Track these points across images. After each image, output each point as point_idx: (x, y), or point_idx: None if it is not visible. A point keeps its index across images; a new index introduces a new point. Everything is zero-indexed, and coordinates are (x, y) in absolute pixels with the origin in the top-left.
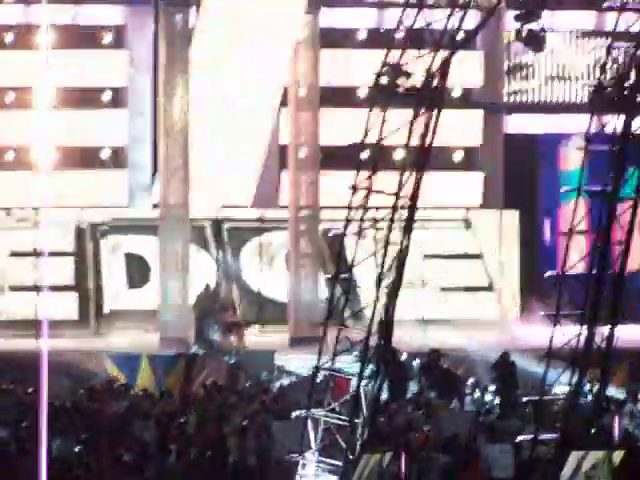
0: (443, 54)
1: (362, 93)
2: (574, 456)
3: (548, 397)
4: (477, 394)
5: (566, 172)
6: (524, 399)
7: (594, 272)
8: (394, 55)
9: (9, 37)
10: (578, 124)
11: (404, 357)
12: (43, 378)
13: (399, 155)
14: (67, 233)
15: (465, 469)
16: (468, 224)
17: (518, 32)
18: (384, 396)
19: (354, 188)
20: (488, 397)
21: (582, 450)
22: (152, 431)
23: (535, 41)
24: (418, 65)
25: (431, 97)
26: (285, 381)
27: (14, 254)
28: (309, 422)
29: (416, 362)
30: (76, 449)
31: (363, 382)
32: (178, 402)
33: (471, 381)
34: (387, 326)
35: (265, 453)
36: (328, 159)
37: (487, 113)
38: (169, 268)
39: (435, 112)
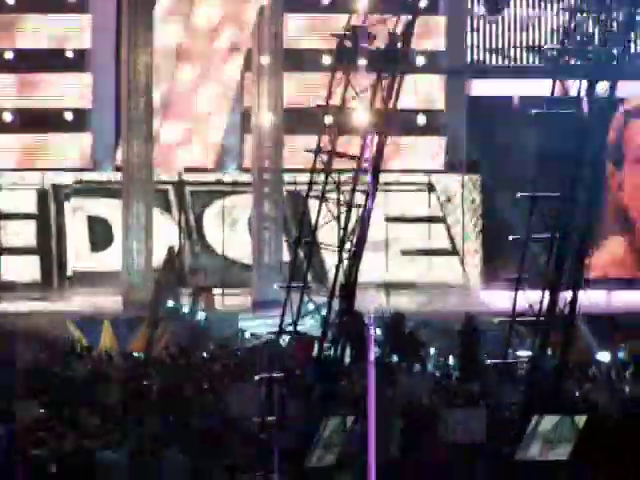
0: (406, 18)
1: (326, 58)
2: (534, 419)
3: (511, 361)
4: (440, 358)
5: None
6: (488, 362)
7: (557, 235)
8: (358, 19)
9: None
10: (541, 88)
11: (367, 320)
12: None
13: (362, 118)
14: (30, 195)
15: (424, 433)
16: (431, 187)
17: None
18: (346, 359)
19: (317, 151)
20: (450, 361)
21: (544, 414)
22: (115, 394)
23: (496, 5)
24: (382, 29)
25: (394, 60)
26: (248, 344)
27: None
28: (272, 386)
29: (379, 327)
30: (39, 412)
31: (325, 345)
32: (142, 365)
33: (433, 345)
34: (350, 289)
35: (225, 417)
36: (291, 122)
37: (450, 77)
38: (132, 231)
39: (398, 76)
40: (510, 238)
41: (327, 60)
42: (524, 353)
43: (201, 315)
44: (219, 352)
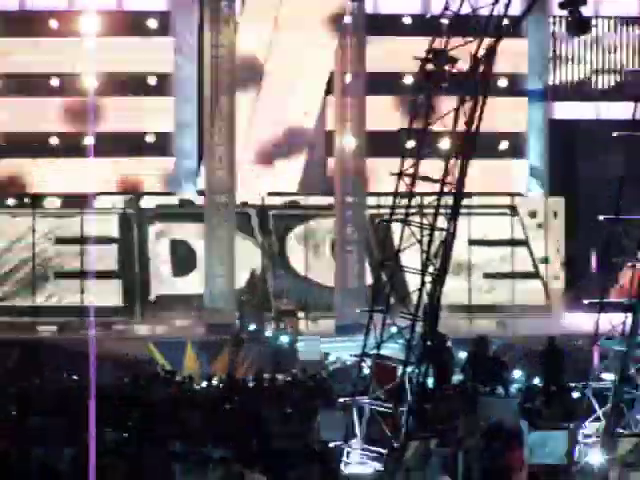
0: (488, 41)
1: (408, 80)
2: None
3: (595, 384)
4: (524, 381)
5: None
6: (572, 385)
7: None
8: (440, 42)
9: (53, 23)
10: (623, 111)
11: (450, 343)
12: (92, 366)
13: (445, 142)
14: (112, 220)
15: (509, 456)
16: (514, 211)
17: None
18: (430, 383)
19: (400, 175)
20: (534, 383)
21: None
22: (197, 418)
23: (579, 27)
24: (464, 52)
25: (477, 84)
26: (331, 368)
27: (59, 241)
28: (354, 410)
29: (462, 351)
30: (122, 436)
31: (409, 369)
32: (224, 388)
33: (517, 368)
34: (433, 312)
35: (309, 440)
36: (374, 146)
37: (531, 100)
38: (215, 255)
39: (480, 99)
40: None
41: (409, 82)
42: (608, 376)
43: (284, 339)
44: (302, 376)
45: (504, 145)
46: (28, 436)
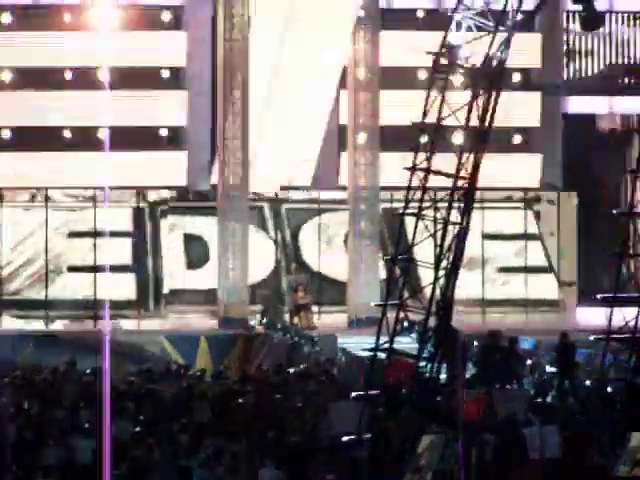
0: (502, 35)
1: (421, 74)
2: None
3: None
4: (536, 375)
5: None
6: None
7: None
8: (453, 36)
9: (67, 18)
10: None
11: (464, 338)
12: (106, 360)
13: (458, 136)
14: (126, 213)
15: (519, 451)
16: (528, 205)
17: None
18: (443, 377)
19: (413, 169)
20: (546, 378)
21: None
22: (207, 412)
23: (592, 23)
24: (478, 46)
25: (490, 78)
26: (344, 361)
27: (72, 234)
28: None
29: (475, 343)
30: (135, 430)
31: (422, 363)
32: (236, 382)
33: (530, 362)
34: (446, 306)
35: (322, 433)
36: (387, 140)
37: (545, 94)
38: (228, 249)
39: (494, 93)
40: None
41: (423, 76)
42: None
43: (299, 332)
44: (315, 369)
45: (517, 140)
46: (49, 428)
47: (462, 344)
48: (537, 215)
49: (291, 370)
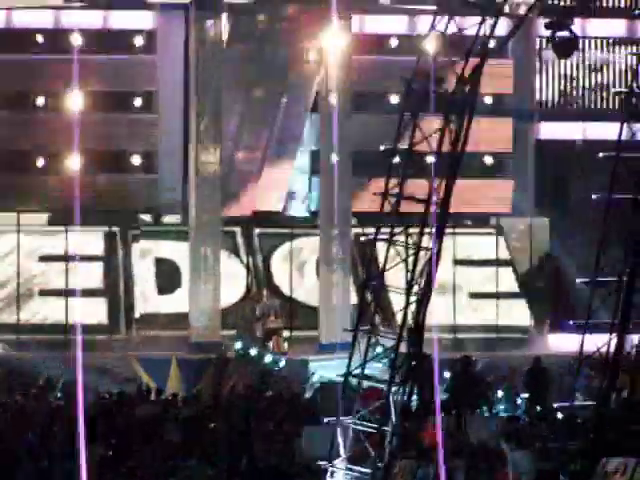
0: (474, 61)
1: (393, 99)
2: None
3: (579, 403)
4: (508, 400)
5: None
6: (554, 405)
7: (625, 279)
8: (425, 62)
9: (40, 40)
10: (609, 131)
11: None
12: (78, 383)
13: (430, 161)
14: (97, 237)
15: (492, 475)
16: (499, 231)
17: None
18: (414, 403)
19: (385, 194)
20: (519, 403)
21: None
22: (178, 436)
23: (564, 49)
24: (450, 72)
25: (462, 104)
26: (315, 387)
27: (43, 258)
28: (339, 429)
29: (446, 370)
30: (107, 454)
31: (393, 389)
32: (208, 407)
33: (501, 387)
34: (418, 332)
35: (293, 459)
36: (359, 165)
37: (517, 120)
38: (200, 273)
39: (466, 119)
40: (578, 281)
41: (394, 101)
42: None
43: (270, 357)
44: (286, 394)
45: (489, 165)
46: (21, 453)
47: (432, 370)
48: (508, 241)
49: (264, 395)
